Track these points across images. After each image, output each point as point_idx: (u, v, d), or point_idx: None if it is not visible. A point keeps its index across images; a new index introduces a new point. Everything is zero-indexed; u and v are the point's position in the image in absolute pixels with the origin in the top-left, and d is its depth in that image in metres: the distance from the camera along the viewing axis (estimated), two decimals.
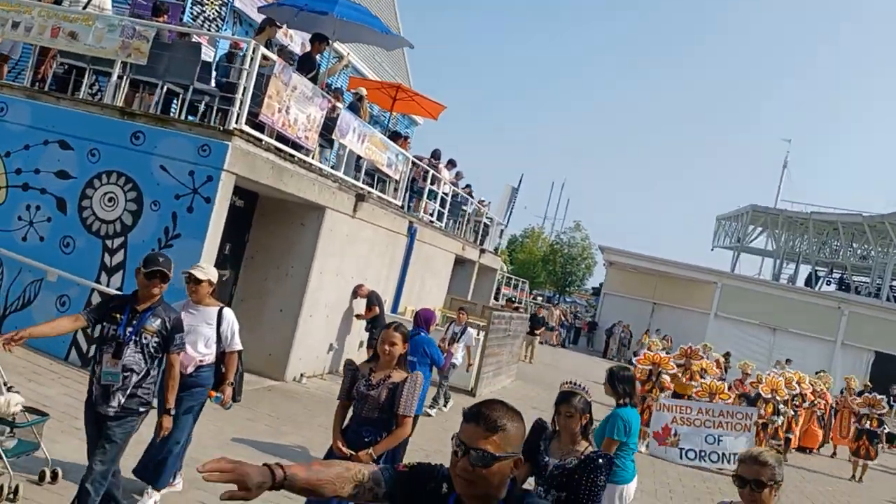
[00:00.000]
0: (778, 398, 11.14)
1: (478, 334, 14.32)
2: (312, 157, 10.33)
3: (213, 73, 10.02)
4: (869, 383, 16.39)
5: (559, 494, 3.69)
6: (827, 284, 39.73)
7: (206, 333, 5.16)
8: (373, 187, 12.86)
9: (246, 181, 8.87)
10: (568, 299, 53.47)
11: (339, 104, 11.04)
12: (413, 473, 2.15)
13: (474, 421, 1.95)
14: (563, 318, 34.03)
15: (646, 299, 32.94)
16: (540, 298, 50.03)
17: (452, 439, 1.99)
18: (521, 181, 26.54)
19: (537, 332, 21.57)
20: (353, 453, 4.19)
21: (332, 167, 11.07)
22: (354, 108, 12.18)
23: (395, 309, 14.15)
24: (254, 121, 8.81)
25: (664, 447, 11.08)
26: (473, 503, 1.97)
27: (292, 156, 9.56)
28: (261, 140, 8.94)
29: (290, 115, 9.27)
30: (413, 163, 14.32)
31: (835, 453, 15.56)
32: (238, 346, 5.36)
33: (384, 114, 17.46)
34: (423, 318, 7.15)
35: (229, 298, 10.50)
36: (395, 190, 13.66)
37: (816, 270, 40.57)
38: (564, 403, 3.83)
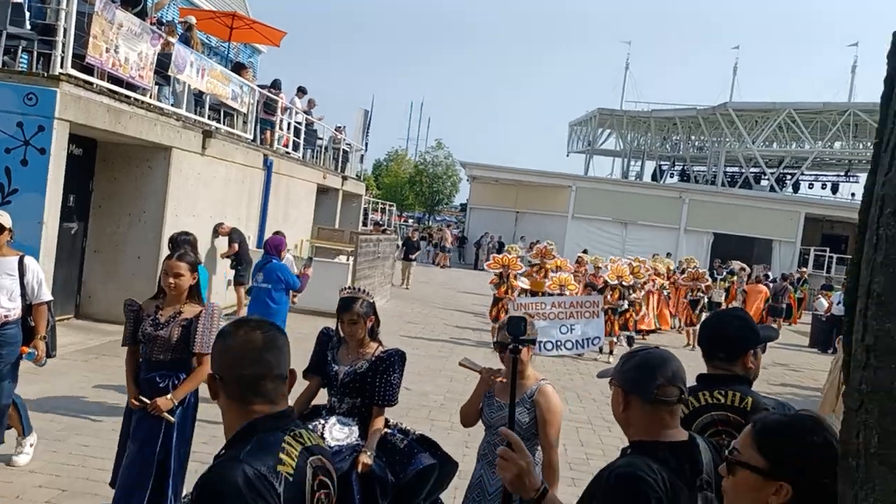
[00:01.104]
0: (624, 283, 12.17)
1: (347, 259, 14.67)
2: (150, 97, 9.99)
3: (27, 15, 9.35)
4: (693, 260, 17.76)
5: (353, 401, 3.62)
6: (671, 177, 42.86)
7: (8, 286, 4.65)
8: (220, 122, 12.59)
9: (81, 128, 8.53)
10: (438, 217, 54.59)
11: (171, 39, 10.63)
12: None
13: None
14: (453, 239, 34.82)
15: (509, 209, 34.26)
16: (411, 220, 50.81)
17: None
18: (373, 103, 26.36)
19: (412, 257, 20.92)
20: (149, 402, 3.79)
21: (174, 105, 10.76)
22: (185, 39, 11.73)
23: (259, 244, 14.14)
24: (81, 64, 8.41)
25: None
26: None
27: (128, 97, 9.24)
28: (91, 83, 8.57)
29: (119, 54, 8.90)
30: (260, 94, 14.06)
31: (681, 329, 17.23)
32: (47, 297, 4.85)
33: (223, 44, 16.82)
34: (273, 245, 7.28)
35: (81, 251, 10.19)
36: (245, 123, 13.43)
37: (661, 165, 43.61)
38: (346, 311, 3.63)
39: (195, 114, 11.42)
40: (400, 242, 21.78)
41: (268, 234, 14.42)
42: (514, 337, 2.17)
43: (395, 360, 3.63)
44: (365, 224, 24.97)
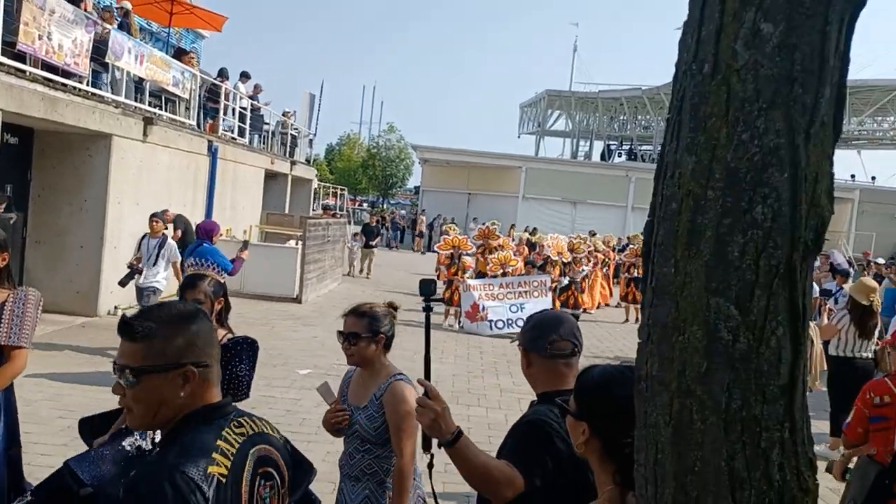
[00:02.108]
0: (564, 260, 12.47)
1: (297, 244, 14.73)
2: (87, 84, 9.90)
3: None
4: (638, 236, 18.26)
5: None
6: (619, 156, 43.62)
7: None
8: (162, 109, 12.50)
9: (15, 116, 8.44)
10: (392, 201, 54.58)
11: (108, 25, 10.52)
12: None
13: (121, 334, 1.57)
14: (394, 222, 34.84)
15: (461, 191, 34.52)
16: (365, 204, 50.70)
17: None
18: (322, 87, 26.10)
19: (372, 243, 19.33)
20: None
21: (113, 92, 10.66)
22: (124, 25, 11.60)
23: None
24: (13, 51, 8.31)
25: (475, 323, 12.04)
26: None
27: (64, 85, 9.15)
28: (24, 71, 8.48)
29: (52, 41, 8.81)
30: (203, 79, 13.95)
31: (619, 304, 17.55)
32: None
33: (165, 30, 16.59)
34: (204, 230, 7.37)
35: (22, 242, 10.09)
36: (188, 109, 13.34)
37: (609, 145, 44.34)
38: (191, 289, 3.24)
39: (136, 101, 11.33)
40: (357, 229, 21.44)
41: (214, 219, 14.47)
42: (425, 297, 2.37)
43: (242, 350, 3.23)
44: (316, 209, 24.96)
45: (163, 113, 12.23)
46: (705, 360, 1.26)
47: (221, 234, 14.27)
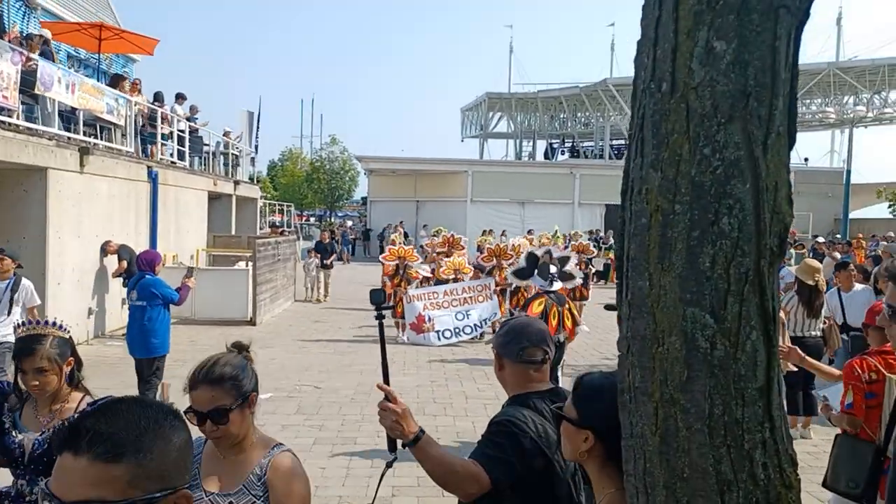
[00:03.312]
0: (504, 262, 12.28)
1: (246, 265, 14.49)
2: (17, 118, 9.57)
3: None
4: (579, 234, 18.42)
5: None
6: (562, 154, 44.27)
7: None
8: (98, 138, 12.17)
9: None
10: (339, 213, 54.20)
11: (33, 55, 10.19)
12: None
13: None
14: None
15: (409, 198, 34.49)
16: (312, 219, 50.20)
17: None
18: (260, 104, 25.61)
19: (328, 262, 17.98)
20: None
21: (45, 124, 10.34)
22: (46, 53, 11.24)
23: None
24: None
25: (422, 335, 11.62)
26: None
27: None
28: None
29: None
30: (138, 104, 13.63)
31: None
32: None
33: (94, 56, 16.15)
34: (145, 261, 7.12)
35: None
36: (124, 136, 13.01)
37: (552, 144, 44.96)
38: (27, 356, 2.70)
39: (70, 131, 11.00)
40: (308, 246, 20.60)
41: (159, 246, 14.14)
42: (376, 306, 2.40)
43: None
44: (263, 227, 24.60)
45: (99, 142, 11.91)
46: (686, 368, 1.30)
47: (165, 263, 14.01)
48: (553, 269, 7.24)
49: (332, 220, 48.20)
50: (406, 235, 32.29)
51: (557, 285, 7.17)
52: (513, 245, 13.24)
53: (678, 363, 1.30)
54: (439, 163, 33.83)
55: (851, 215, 31.60)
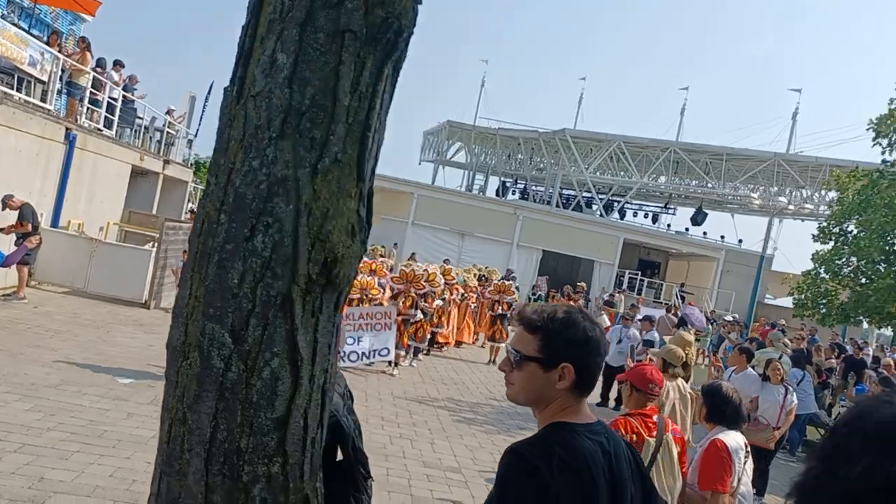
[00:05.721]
0: (415, 291, 11.95)
1: (152, 245, 14.08)
2: None
3: None
4: (494, 272, 18.14)
5: None
6: (513, 193, 44.64)
7: None
8: (15, 89, 11.74)
9: None
10: None
11: None
12: None
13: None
14: None
15: None
16: None
17: None
18: (210, 89, 24.78)
19: None
20: None
21: None
22: None
23: (55, 223, 13.31)
24: None
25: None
26: None
27: None
28: None
29: None
30: (66, 62, 13.22)
31: (483, 343, 15.67)
32: None
33: (39, 8, 15.66)
34: None
35: None
36: (45, 93, 12.59)
37: (504, 181, 45.33)
38: None
39: None
40: None
41: (65, 212, 13.64)
42: None
43: None
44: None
45: (13, 92, 11.48)
46: (198, 387, 1.22)
47: (68, 228, 13.50)
48: None
49: None
50: None
51: None
52: (428, 273, 12.79)
53: (194, 381, 1.22)
54: (386, 180, 33.72)
55: (773, 301, 32.57)
